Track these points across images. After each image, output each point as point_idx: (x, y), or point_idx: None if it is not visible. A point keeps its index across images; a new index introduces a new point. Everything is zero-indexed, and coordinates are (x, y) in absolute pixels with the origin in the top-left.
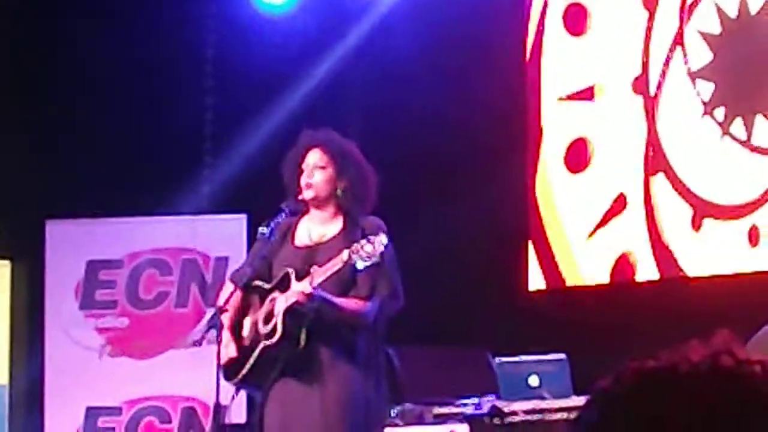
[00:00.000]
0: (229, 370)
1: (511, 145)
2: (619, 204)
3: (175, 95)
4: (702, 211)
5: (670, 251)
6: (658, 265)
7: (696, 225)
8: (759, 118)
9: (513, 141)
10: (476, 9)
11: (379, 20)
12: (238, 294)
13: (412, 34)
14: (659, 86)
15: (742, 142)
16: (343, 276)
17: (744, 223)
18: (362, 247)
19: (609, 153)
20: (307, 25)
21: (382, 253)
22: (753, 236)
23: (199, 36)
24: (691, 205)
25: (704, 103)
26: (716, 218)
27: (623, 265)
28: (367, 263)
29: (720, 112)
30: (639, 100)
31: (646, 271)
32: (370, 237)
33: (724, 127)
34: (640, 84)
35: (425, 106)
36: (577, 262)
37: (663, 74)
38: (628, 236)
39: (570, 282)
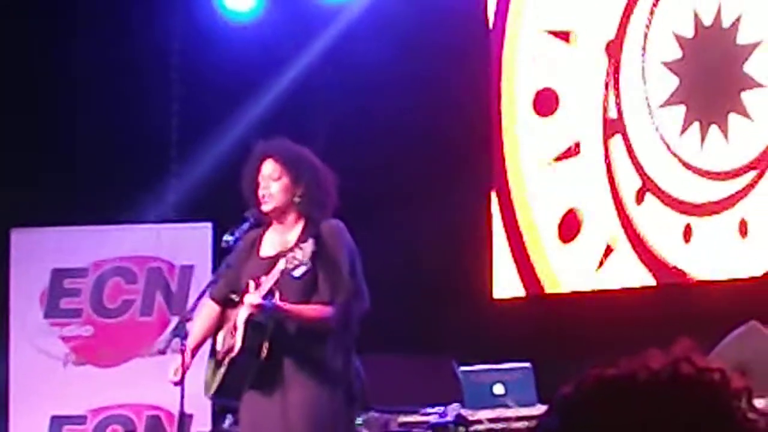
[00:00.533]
0: (205, 384)
1: (476, 151)
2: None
3: (141, 103)
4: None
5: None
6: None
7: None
8: (713, 130)
9: (478, 147)
10: (441, 14)
11: (344, 27)
12: (215, 307)
13: (377, 40)
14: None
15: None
16: (302, 284)
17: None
18: (294, 255)
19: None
20: (273, 32)
21: (333, 253)
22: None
23: (165, 43)
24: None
25: (669, 95)
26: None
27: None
28: (302, 269)
29: (680, 111)
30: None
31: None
32: (300, 245)
33: (683, 127)
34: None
35: (390, 112)
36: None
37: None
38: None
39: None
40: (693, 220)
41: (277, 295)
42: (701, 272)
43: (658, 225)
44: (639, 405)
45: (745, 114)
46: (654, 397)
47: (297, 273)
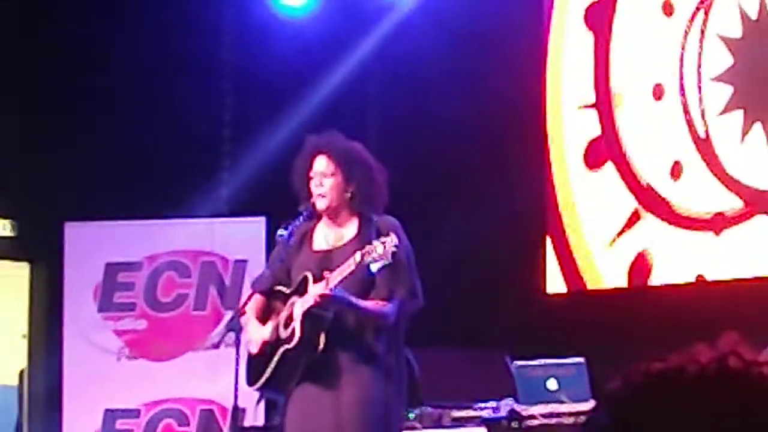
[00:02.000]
0: (251, 375)
1: (531, 147)
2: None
3: (194, 98)
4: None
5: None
6: None
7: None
8: None
9: (532, 143)
10: (495, 11)
11: (397, 23)
12: (259, 299)
13: (430, 37)
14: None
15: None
16: (362, 278)
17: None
18: (374, 248)
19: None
20: (326, 28)
21: (396, 254)
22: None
23: (217, 39)
24: None
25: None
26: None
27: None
28: (379, 264)
29: (738, 116)
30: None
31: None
32: (381, 238)
33: (743, 131)
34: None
35: (444, 108)
36: (598, 266)
37: (681, 80)
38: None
39: (591, 285)
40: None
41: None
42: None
43: None
44: (687, 399)
45: None
46: (702, 391)
47: (374, 267)
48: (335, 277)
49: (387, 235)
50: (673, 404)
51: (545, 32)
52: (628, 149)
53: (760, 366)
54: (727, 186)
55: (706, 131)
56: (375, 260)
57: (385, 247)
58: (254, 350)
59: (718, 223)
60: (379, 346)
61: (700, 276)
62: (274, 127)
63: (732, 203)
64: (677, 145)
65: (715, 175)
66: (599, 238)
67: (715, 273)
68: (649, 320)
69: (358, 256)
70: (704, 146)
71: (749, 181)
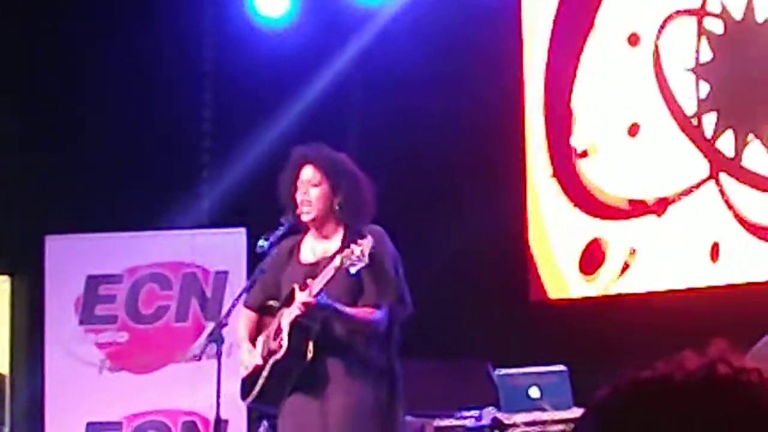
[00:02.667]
0: (244, 389)
1: (512, 153)
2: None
3: (174, 109)
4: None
5: None
6: None
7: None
8: (751, 140)
9: (513, 149)
10: (473, 18)
11: (377, 32)
12: (252, 316)
13: (410, 45)
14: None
15: (728, 160)
16: (350, 286)
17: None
18: (352, 251)
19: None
20: (306, 37)
21: (376, 257)
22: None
23: (197, 50)
24: None
25: (699, 102)
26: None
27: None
28: (358, 266)
29: (710, 119)
30: None
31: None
32: (358, 241)
33: (713, 137)
34: None
35: (426, 116)
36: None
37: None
38: None
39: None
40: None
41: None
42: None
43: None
44: (676, 407)
45: None
46: (691, 399)
47: (353, 270)
48: (317, 284)
49: (363, 237)
50: (661, 412)
51: (522, 38)
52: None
53: (748, 373)
54: None
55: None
56: (353, 263)
57: (362, 249)
58: (244, 373)
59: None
60: (370, 354)
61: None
62: (254, 139)
63: None
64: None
65: None
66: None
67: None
68: (631, 328)
69: (337, 260)
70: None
71: None
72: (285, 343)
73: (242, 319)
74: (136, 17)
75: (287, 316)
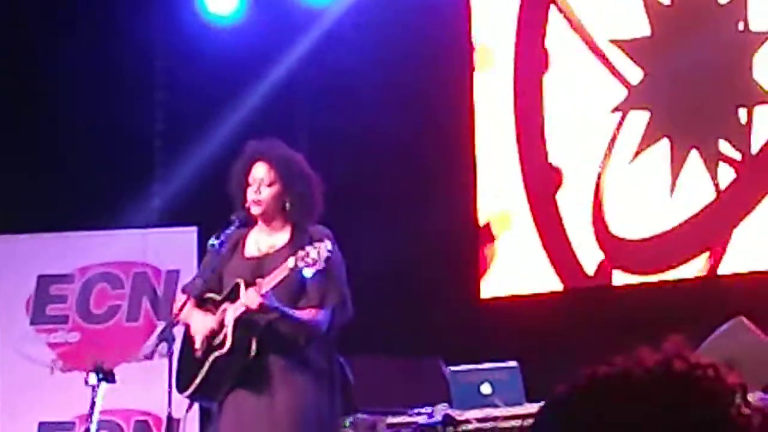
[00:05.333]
0: (181, 381)
1: (461, 150)
2: None
3: (124, 107)
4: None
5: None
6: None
7: None
8: (693, 160)
9: (462, 147)
10: (423, 16)
11: (325, 30)
12: (191, 305)
13: (359, 44)
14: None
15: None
16: (293, 286)
17: None
18: (308, 253)
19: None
20: (255, 36)
21: (329, 261)
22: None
23: (147, 47)
24: None
25: (640, 141)
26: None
27: None
28: (313, 269)
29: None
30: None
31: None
32: (315, 243)
33: (674, 170)
34: None
35: (372, 114)
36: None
37: None
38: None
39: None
40: None
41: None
42: None
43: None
44: (634, 403)
45: (740, 144)
46: (649, 395)
47: (308, 273)
48: (268, 283)
49: (320, 241)
50: (619, 407)
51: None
52: None
53: (704, 368)
54: None
55: None
56: (308, 265)
57: (319, 252)
58: (198, 343)
59: None
60: (311, 353)
61: None
62: (205, 137)
63: None
64: None
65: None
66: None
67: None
68: (584, 323)
69: (291, 261)
70: None
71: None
72: (230, 338)
73: (187, 305)
74: (87, 16)
75: (232, 311)
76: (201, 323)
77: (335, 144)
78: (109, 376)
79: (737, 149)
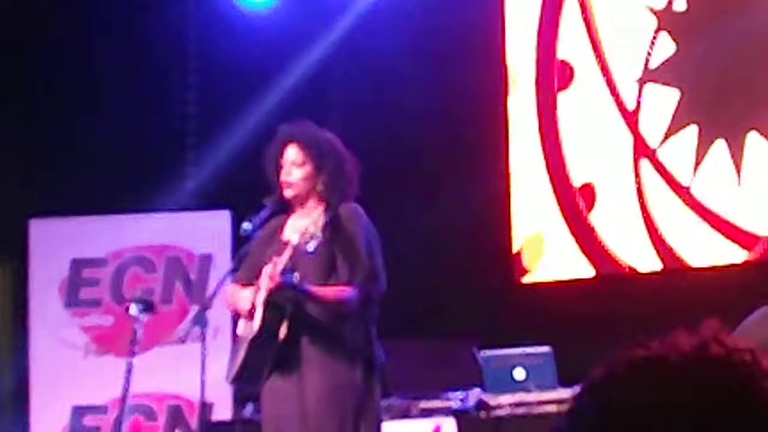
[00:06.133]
0: (229, 370)
1: (497, 135)
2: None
3: (158, 92)
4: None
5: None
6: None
7: None
8: (753, 138)
9: (498, 132)
10: (456, 3)
11: (361, 14)
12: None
13: (394, 28)
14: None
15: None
16: (324, 264)
17: None
18: (306, 229)
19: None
20: (289, 21)
21: (350, 235)
22: None
23: (181, 32)
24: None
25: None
26: None
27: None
28: (314, 243)
29: (692, 133)
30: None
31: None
32: (312, 217)
33: (698, 158)
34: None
35: (407, 99)
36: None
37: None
38: None
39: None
40: None
41: (296, 275)
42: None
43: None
44: (671, 386)
45: None
46: (686, 378)
47: (310, 247)
48: (281, 262)
49: (320, 215)
50: (656, 391)
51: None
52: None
53: (741, 353)
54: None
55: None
56: (307, 241)
57: (315, 225)
58: (248, 306)
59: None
60: (345, 333)
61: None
62: (239, 121)
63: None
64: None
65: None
66: None
67: None
68: (618, 308)
69: (294, 238)
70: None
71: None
72: (258, 321)
73: (231, 288)
74: (122, 2)
75: (259, 295)
76: (249, 293)
77: (370, 125)
78: (150, 307)
79: None
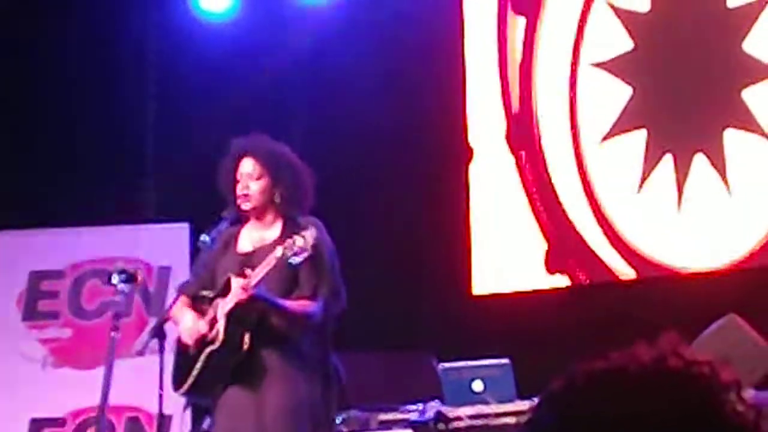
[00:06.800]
0: (176, 380)
1: (453, 147)
2: None
3: (117, 103)
4: None
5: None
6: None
7: None
8: (699, 160)
9: (455, 144)
10: (417, 14)
11: (320, 25)
12: (185, 300)
13: (354, 40)
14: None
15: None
16: (286, 277)
17: None
18: (294, 242)
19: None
20: (248, 32)
21: (317, 249)
22: None
23: (140, 43)
24: None
25: (616, 120)
26: None
27: None
28: (300, 257)
29: (640, 138)
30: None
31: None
32: (301, 232)
33: (646, 167)
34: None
35: (367, 109)
36: None
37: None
38: None
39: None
40: None
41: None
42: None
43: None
44: (630, 399)
45: (751, 125)
46: (644, 391)
47: (296, 261)
48: (257, 274)
49: (306, 229)
50: (615, 403)
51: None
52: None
53: (699, 365)
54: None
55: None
56: (296, 254)
57: (305, 239)
58: (191, 341)
59: None
60: (306, 346)
61: None
62: (197, 133)
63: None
64: None
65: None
66: None
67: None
68: (576, 319)
69: (279, 250)
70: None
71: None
72: (221, 333)
73: (178, 302)
74: (81, 11)
75: (223, 306)
76: (191, 323)
77: (328, 138)
78: (131, 278)
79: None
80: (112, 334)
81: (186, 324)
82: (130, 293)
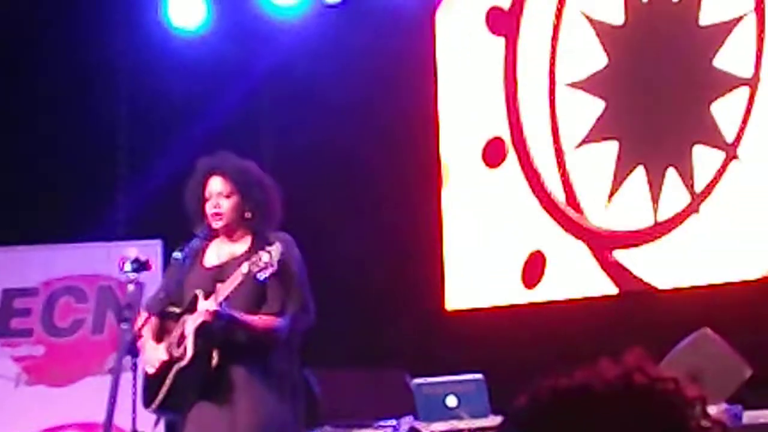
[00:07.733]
0: (146, 396)
1: (426, 163)
2: None
3: (89, 120)
4: None
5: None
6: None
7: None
8: (671, 174)
9: (425, 159)
10: (391, 28)
11: (292, 42)
12: (154, 321)
13: (326, 56)
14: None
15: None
16: (253, 293)
17: None
18: (260, 257)
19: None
20: (220, 48)
21: (284, 265)
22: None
23: (112, 60)
24: None
25: (590, 129)
26: None
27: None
28: (267, 273)
29: (611, 150)
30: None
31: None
32: (267, 247)
33: (615, 182)
34: None
35: (339, 125)
36: None
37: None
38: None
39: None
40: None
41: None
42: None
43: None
44: (595, 416)
45: (718, 141)
46: (609, 408)
47: (262, 276)
48: (223, 291)
49: (271, 244)
50: (579, 421)
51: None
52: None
53: (664, 382)
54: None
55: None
56: (262, 269)
57: (271, 254)
58: (152, 371)
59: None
60: (274, 362)
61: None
62: (169, 149)
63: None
64: None
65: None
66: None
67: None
68: (547, 336)
69: (245, 266)
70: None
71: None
72: (190, 350)
73: (145, 325)
74: (51, 28)
75: (192, 322)
76: (150, 353)
77: (299, 154)
78: (144, 266)
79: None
80: (123, 326)
81: (146, 355)
82: (142, 283)
